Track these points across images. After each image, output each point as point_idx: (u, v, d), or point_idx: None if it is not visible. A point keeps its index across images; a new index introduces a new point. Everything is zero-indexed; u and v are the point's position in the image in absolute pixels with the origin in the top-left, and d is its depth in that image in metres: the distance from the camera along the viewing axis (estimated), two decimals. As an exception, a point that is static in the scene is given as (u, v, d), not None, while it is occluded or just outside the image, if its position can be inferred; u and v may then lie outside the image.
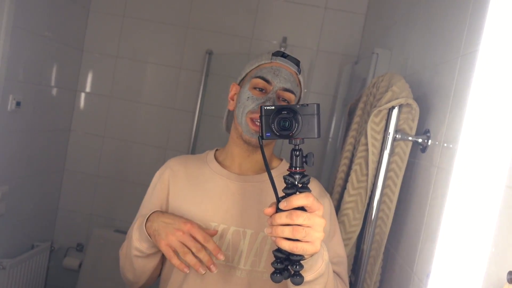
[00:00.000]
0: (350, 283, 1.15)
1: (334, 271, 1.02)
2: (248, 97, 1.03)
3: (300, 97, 1.11)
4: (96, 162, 2.61)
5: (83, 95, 2.60)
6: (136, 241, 0.98)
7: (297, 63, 1.08)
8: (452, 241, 0.85)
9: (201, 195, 1.07)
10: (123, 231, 2.47)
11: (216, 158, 1.14)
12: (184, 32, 2.52)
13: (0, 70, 1.81)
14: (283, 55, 1.07)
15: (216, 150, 1.18)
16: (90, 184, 2.62)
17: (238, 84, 1.12)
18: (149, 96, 2.58)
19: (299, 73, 1.09)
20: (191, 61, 2.54)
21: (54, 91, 2.36)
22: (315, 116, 0.76)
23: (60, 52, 2.33)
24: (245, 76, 1.10)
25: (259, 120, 0.99)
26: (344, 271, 1.06)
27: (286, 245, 0.73)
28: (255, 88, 1.04)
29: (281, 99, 1.04)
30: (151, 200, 1.13)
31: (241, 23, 2.50)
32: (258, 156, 1.07)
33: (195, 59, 2.53)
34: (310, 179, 1.05)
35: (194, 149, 2.48)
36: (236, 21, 2.50)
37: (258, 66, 1.07)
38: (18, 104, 1.99)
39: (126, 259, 1.06)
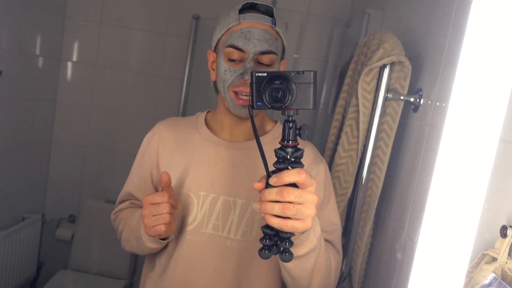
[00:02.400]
0: (342, 246, 1.14)
1: (327, 240, 1.01)
2: (225, 70, 0.96)
3: (283, 51, 1.01)
4: (84, 133, 2.57)
5: (68, 64, 2.52)
6: (148, 242, 0.97)
7: (270, 12, 0.97)
8: (443, 199, 0.83)
9: (189, 164, 1.03)
10: (114, 202, 2.44)
11: (207, 122, 1.09)
12: (169, -4, 2.43)
13: (-23, 37, 1.74)
14: (253, 7, 0.97)
15: (208, 112, 1.13)
16: (79, 155, 2.59)
17: (214, 51, 1.04)
18: (136, 64, 2.51)
19: (275, 24, 0.96)
20: (178, 27, 2.46)
21: (39, 60, 2.28)
22: (311, 85, 0.69)
23: (42, 19, 2.24)
24: (218, 42, 1.01)
25: (244, 93, 0.95)
26: (337, 238, 1.03)
27: (276, 222, 0.68)
28: (230, 59, 0.95)
29: (261, 64, 0.95)
30: (142, 166, 1.11)
31: (228, -14, 2.41)
32: (250, 122, 1.02)
33: (181, 25, 2.45)
34: (306, 145, 1.02)
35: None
36: (223, -16, 2.42)
37: (228, 30, 0.97)
38: (0, 73, 1.92)
39: (130, 245, 1.06)
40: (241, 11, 0.96)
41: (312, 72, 0.69)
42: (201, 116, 1.11)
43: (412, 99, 1.06)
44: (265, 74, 0.70)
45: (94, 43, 2.49)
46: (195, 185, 1.01)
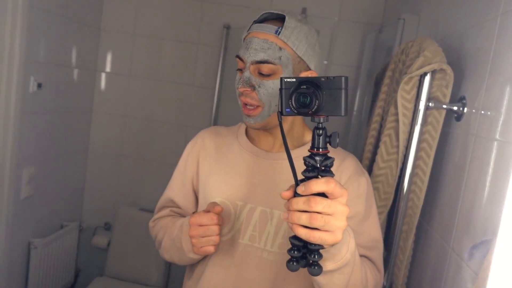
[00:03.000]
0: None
1: (366, 256, 0.97)
2: (236, 80, 0.98)
3: (289, 59, 0.93)
4: (119, 142, 2.62)
5: (103, 75, 2.59)
6: (190, 253, 0.98)
7: (277, 20, 0.94)
8: (500, 214, 0.79)
9: (228, 172, 1.03)
10: (148, 210, 2.49)
11: (247, 132, 1.09)
12: (200, 7, 2.46)
13: (20, 51, 1.80)
14: (263, 19, 0.96)
15: None
16: (114, 164, 2.64)
17: None
18: (168, 73, 2.55)
19: (279, 33, 0.92)
20: (209, 37, 2.48)
21: (75, 72, 2.35)
22: (342, 90, 0.66)
23: (78, 32, 2.31)
24: None
25: (244, 104, 0.95)
26: (378, 255, 0.99)
27: (303, 233, 0.66)
28: (238, 69, 0.98)
29: (258, 72, 0.93)
30: (184, 173, 1.12)
31: (259, -5, 2.42)
32: (285, 128, 1.01)
33: (213, 34, 2.47)
34: (348, 156, 1.00)
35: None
36: (254, -7, 2.42)
37: (243, 40, 0.98)
38: (39, 85, 1.99)
39: (170, 254, 1.06)
40: (254, 22, 0.97)
41: (343, 78, 0.67)
42: (243, 125, 1.11)
43: (455, 108, 1.03)
44: (294, 80, 0.69)
45: (128, 54, 2.55)
46: (232, 194, 1.01)
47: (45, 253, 2.17)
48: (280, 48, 0.92)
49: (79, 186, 2.62)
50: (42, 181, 2.16)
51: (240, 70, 0.97)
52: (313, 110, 0.66)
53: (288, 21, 0.93)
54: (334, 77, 0.67)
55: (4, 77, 1.76)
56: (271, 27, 0.93)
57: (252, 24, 0.97)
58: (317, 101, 0.66)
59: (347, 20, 2.39)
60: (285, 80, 0.69)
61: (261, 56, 0.91)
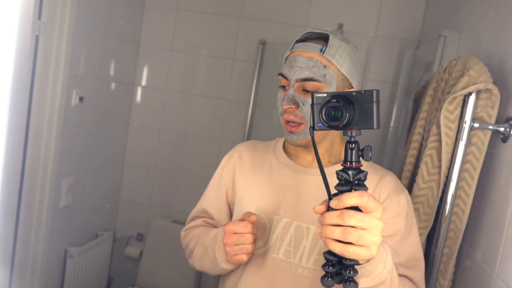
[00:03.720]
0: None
1: (406, 276, 0.95)
2: (278, 98, 0.99)
3: (334, 77, 0.94)
4: (153, 154, 2.67)
5: (140, 88, 2.66)
6: (223, 263, 0.98)
7: (322, 39, 0.96)
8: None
9: (265, 186, 1.03)
10: (180, 222, 2.51)
11: (284, 148, 1.10)
12: (237, 23, 2.50)
13: (64, 67, 1.88)
14: (305, 38, 0.97)
15: None
16: (148, 176, 2.69)
17: None
18: (203, 88, 2.59)
19: (323, 51, 0.94)
20: (245, 52, 2.51)
21: (113, 86, 2.43)
22: (374, 104, 0.66)
23: (118, 47, 2.39)
24: None
25: (287, 120, 0.96)
26: (419, 275, 0.97)
27: (336, 248, 0.66)
28: (281, 86, 0.99)
29: (302, 90, 0.94)
30: (219, 184, 1.13)
31: (294, 11, 2.44)
32: (323, 145, 1.01)
33: (248, 50, 2.50)
34: (387, 174, 0.99)
35: (253, 140, 2.47)
36: (289, 9, 2.44)
37: (285, 59, 1.00)
38: (81, 99, 2.06)
39: (202, 264, 1.07)
40: (297, 41, 0.98)
41: (374, 91, 0.67)
42: (280, 141, 1.12)
43: (501, 129, 0.99)
44: (325, 95, 0.69)
45: (165, 68, 2.61)
46: (269, 208, 1.01)
47: (80, 262, 2.23)
48: (325, 66, 0.93)
49: (114, 197, 2.68)
50: (79, 191, 2.22)
51: (283, 87, 0.98)
52: (343, 123, 0.67)
53: (332, 39, 0.94)
54: (365, 90, 0.67)
55: (49, 90, 1.84)
56: (315, 45, 0.94)
57: (294, 43, 0.98)
58: (347, 114, 0.66)
59: (383, 36, 2.37)
60: (316, 95, 0.70)
61: (306, 74, 0.92)
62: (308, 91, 0.94)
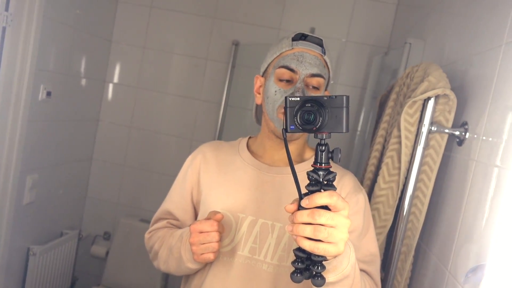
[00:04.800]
0: (380, 281, 1.11)
1: (364, 270, 0.99)
2: (275, 91, 0.99)
3: (329, 79, 1.06)
4: (123, 152, 2.64)
5: (111, 85, 2.63)
6: (189, 263, 0.99)
7: (320, 43, 1.02)
8: (498, 241, 0.80)
9: (230, 185, 1.05)
10: (148, 221, 2.47)
11: (248, 147, 1.11)
12: (210, 23, 2.51)
13: (32, 60, 1.84)
14: (304, 38, 1.01)
15: (249, 137, 1.15)
16: (117, 174, 2.66)
17: (262, 76, 1.07)
18: (175, 87, 2.58)
19: (324, 53, 1.02)
20: (218, 52, 2.52)
21: (83, 82, 2.39)
22: (344, 109, 0.70)
23: (89, 43, 2.36)
24: (268, 67, 1.05)
25: None
26: (375, 270, 1.01)
27: (307, 245, 0.69)
28: (281, 80, 0.99)
29: (310, 86, 0.99)
30: (184, 185, 1.13)
31: (268, 13, 2.47)
32: (291, 147, 1.04)
33: (221, 50, 2.51)
34: (346, 174, 1.03)
35: (221, 140, 2.48)
36: (263, 11, 2.47)
37: (280, 54, 1.02)
38: (48, 94, 2.02)
39: (167, 265, 1.07)
40: (294, 39, 1.02)
41: (344, 97, 0.71)
42: (243, 141, 1.14)
43: (457, 133, 1.04)
44: (298, 99, 0.72)
45: (137, 66, 2.59)
46: (234, 206, 1.02)
47: (43, 260, 2.18)
48: (324, 67, 1.01)
49: (81, 195, 2.63)
50: (44, 188, 2.17)
51: (287, 81, 0.99)
52: (317, 127, 0.70)
53: (324, 44, 1.03)
54: (336, 96, 0.71)
55: (15, 83, 1.79)
56: (317, 46, 1.01)
57: (292, 41, 1.01)
58: (320, 118, 0.70)
59: (354, 42, 2.43)
60: (290, 99, 0.73)
61: (315, 70, 0.98)
62: (313, 87, 0.99)
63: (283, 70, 0.99)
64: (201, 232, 0.92)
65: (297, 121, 0.71)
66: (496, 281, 0.75)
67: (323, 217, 0.67)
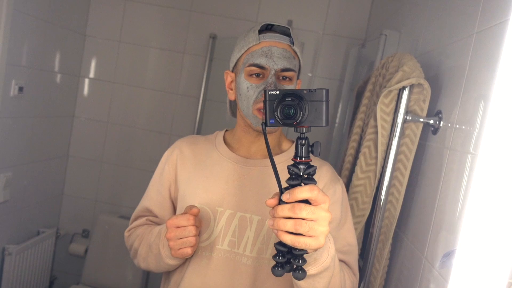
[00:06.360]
0: (359, 268, 1.13)
1: (342, 260, 1.00)
2: (247, 88, 0.98)
3: (300, 68, 1.04)
4: (100, 148, 2.60)
5: (86, 80, 2.57)
6: (168, 259, 0.98)
7: (287, 32, 1.00)
8: (471, 227, 0.82)
9: (207, 179, 1.04)
10: (127, 217, 2.46)
11: (225, 140, 1.11)
12: (187, 16, 2.48)
13: (2, 55, 1.78)
14: (270, 27, 1.00)
15: (226, 130, 1.15)
16: (94, 170, 2.62)
17: (232, 71, 1.06)
18: (153, 81, 2.55)
19: (293, 43, 1.00)
20: (195, 46, 2.50)
21: (57, 77, 2.34)
22: (323, 102, 0.70)
23: (62, 37, 2.30)
24: (237, 62, 1.04)
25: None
26: (354, 259, 1.03)
27: (288, 239, 0.69)
28: (251, 75, 0.98)
29: (281, 78, 0.98)
30: (161, 181, 1.12)
31: (245, 6, 2.45)
32: (269, 139, 1.04)
33: (198, 44, 2.49)
34: (324, 164, 1.03)
35: (198, 134, 2.46)
36: (240, 5, 2.46)
37: (248, 50, 1.00)
38: (20, 89, 1.97)
39: (147, 263, 1.06)
40: (260, 32, 1.00)
41: (324, 90, 0.71)
42: (220, 134, 1.13)
43: (431, 122, 1.06)
44: (278, 92, 0.72)
45: (113, 60, 2.54)
46: (212, 201, 1.02)
47: (19, 260, 2.13)
48: (294, 57, 1.00)
49: (58, 192, 2.58)
50: (19, 186, 2.12)
51: (257, 75, 0.97)
52: (297, 121, 0.70)
53: (292, 33, 1.00)
54: (315, 89, 0.71)
55: (-16, 79, 1.74)
56: (285, 37, 0.99)
57: (259, 34, 0.99)
58: (301, 113, 0.69)
59: (331, 34, 2.44)
60: (269, 92, 0.72)
61: (285, 64, 0.97)
62: (282, 79, 0.98)
63: (253, 68, 0.97)
64: (177, 227, 0.91)
65: (277, 115, 0.71)
66: (469, 265, 0.77)
67: (304, 211, 0.67)
